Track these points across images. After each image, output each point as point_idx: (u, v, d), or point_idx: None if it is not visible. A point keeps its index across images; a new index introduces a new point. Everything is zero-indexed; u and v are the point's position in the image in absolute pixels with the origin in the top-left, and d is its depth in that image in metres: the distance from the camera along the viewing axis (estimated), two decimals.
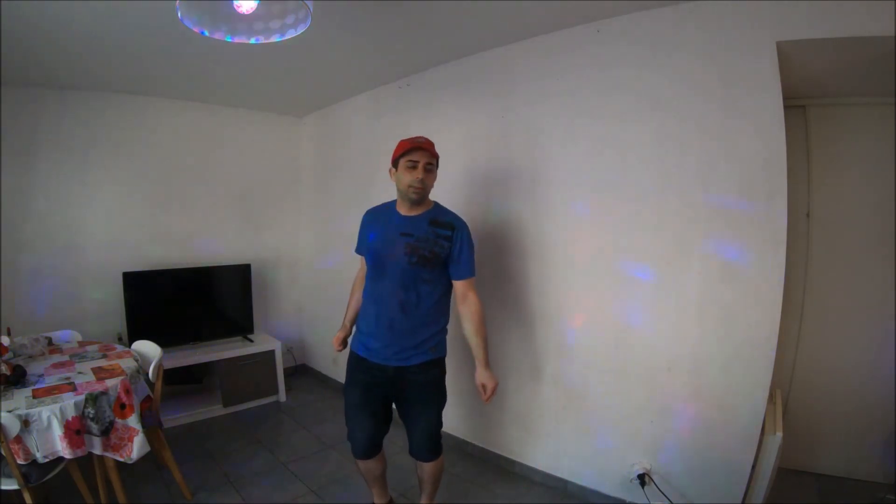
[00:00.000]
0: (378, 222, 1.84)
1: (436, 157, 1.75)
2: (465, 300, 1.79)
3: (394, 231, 1.76)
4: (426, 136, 1.79)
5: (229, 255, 3.54)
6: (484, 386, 1.78)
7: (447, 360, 1.90)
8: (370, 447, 1.84)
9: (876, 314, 2.21)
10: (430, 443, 1.82)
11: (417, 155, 1.69)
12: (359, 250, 1.93)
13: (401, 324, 1.74)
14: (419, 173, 1.69)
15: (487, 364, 1.79)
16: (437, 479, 1.93)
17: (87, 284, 3.00)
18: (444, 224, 1.77)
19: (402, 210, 1.79)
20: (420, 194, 1.72)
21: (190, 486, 2.22)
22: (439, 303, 1.80)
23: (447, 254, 1.75)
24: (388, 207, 1.86)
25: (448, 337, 1.90)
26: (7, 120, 2.69)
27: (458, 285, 1.79)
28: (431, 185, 1.77)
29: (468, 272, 1.78)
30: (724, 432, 1.83)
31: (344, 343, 1.97)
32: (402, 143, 1.75)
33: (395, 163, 1.77)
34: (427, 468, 1.87)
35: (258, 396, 3.33)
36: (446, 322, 1.87)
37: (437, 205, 1.85)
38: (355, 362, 1.85)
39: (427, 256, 1.71)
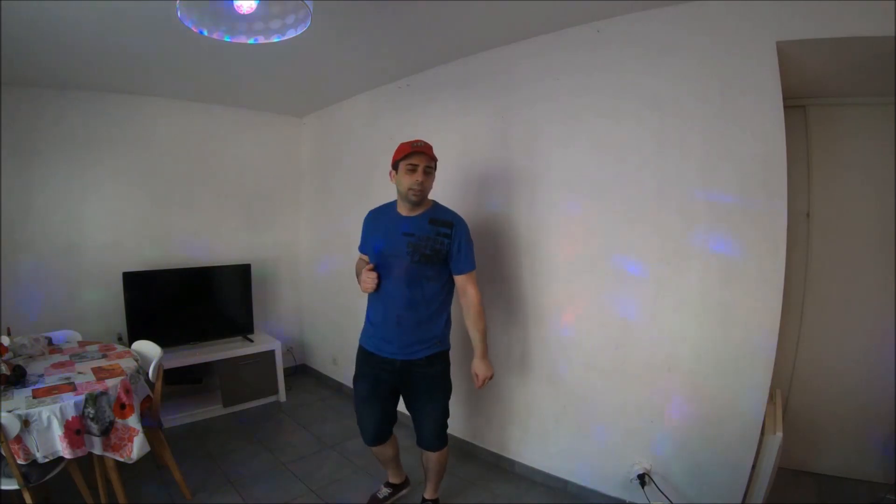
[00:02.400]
0: (381, 223, 1.91)
1: (434, 159, 1.82)
2: (464, 294, 1.87)
3: (397, 231, 1.83)
4: (426, 135, 1.81)
5: (229, 255, 3.54)
6: (476, 375, 1.90)
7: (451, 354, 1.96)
8: (378, 435, 1.97)
9: (876, 314, 2.21)
10: (437, 432, 1.92)
11: (417, 159, 1.77)
12: (362, 249, 2.03)
13: (407, 319, 1.82)
14: (419, 176, 1.76)
15: (484, 355, 1.90)
16: (442, 468, 2.04)
17: (87, 284, 3.01)
18: (443, 222, 1.84)
19: (403, 211, 1.86)
20: (419, 196, 1.80)
21: (190, 486, 2.22)
22: (443, 298, 1.89)
23: (447, 250, 1.82)
24: (390, 208, 1.93)
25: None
26: (7, 120, 2.69)
27: (459, 280, 1.87)
28: (430, 187, 1.85)
29: (467, 266, 1.86)
30: (724, 432, 1.83)
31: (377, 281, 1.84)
32: (401, 146, 1.81)
33: (395, 166, 1.83)
34: (434, 457, 1.97)
35: (258, 396, 3.33)
36: (450, 316, 1.94)
37: (436, 204, 1.92)
38: (364, 357, 1.94)
39: (428, 254, 1.79)
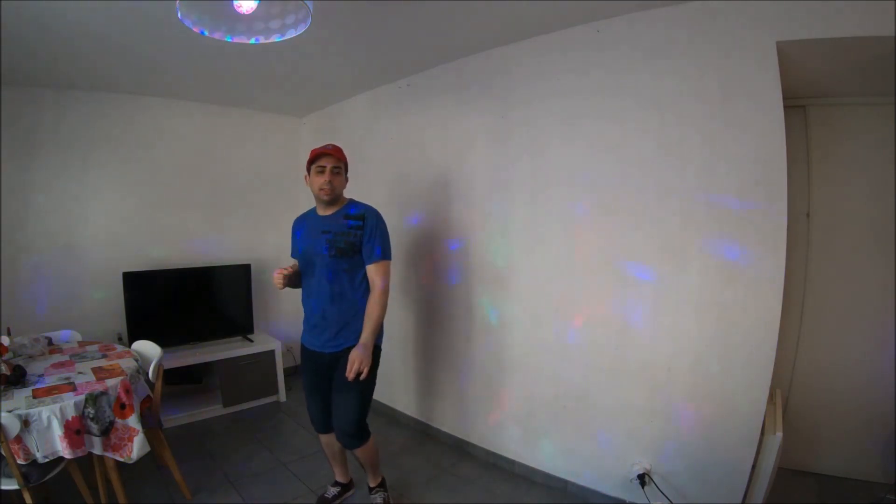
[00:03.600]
0: (303, 226, 2.04)
1: (343, 160, 1.94)
2: (372, 283, 1.93)
3: (315, 231, 1.95)
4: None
5: (229, 255, 3.54)
6: (351, 362, 1.82)
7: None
8: (324, 423, 2.04)
9: (876, 314, 2.21)
10: (351, 428, 1.92)
11: (324, 160, 1.89)
12: (293, 254, 2.11)
13: (331, 313, 1.92)
14: (327, 176, 1.88)
15: (364, 345, 1.85)
16: (371, 458, 2.07)
17: (87, 284, 3.01)
18: (356, 216, 1.94)
19: (321, 211, 1.99)
20: (330, 195, 1.91)
21: (190, 486, 2.22)
22: (363, 291, 1.95)
23: (360, 242, 1.91)
24: (311, 212, 2.05)
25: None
26: (7, 120, 2.69)
27: (368, 270, 1.93)
28: (341, 186, 1.95)
29: (376, 256, 1.92)
30: (724, 432, 1.83)
31: (284, 279, 1.93)
32: (312, 151, 1.93)
33: (308, 170, 1.94)
34: (357, 453, 2.01)
35: (258, 396, 3.33)
36: None
37: (351, 201, 2.02)
38: (303, 352, 2.07)
39: (343, 248, 1.89)
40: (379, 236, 1.92)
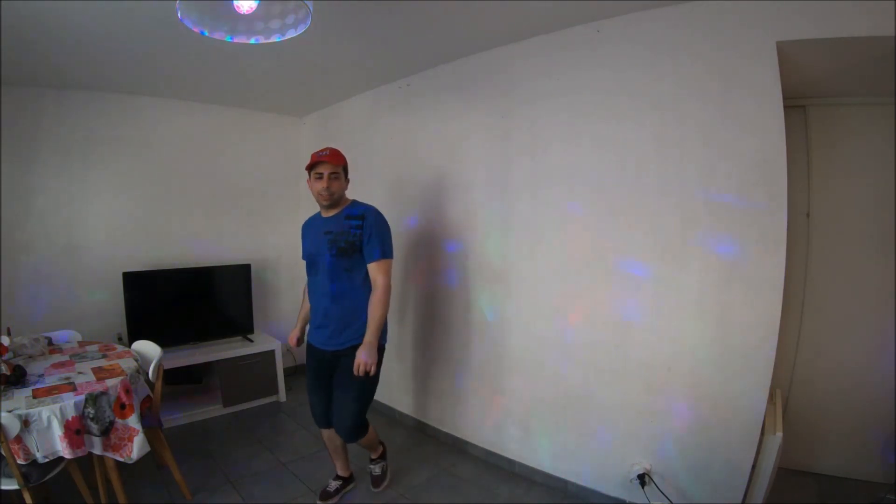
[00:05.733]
0: (309, 229, 2.09)
1: (342, 164, 1.97)
2: (374, 282, 1.96)
3: (319, 232, 2.00)
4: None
5: (229, 255, 3.54)
6: (359, 362, 1.86)
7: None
8: (327, 418, 2.08)
9: (876, 314, 2.20)
10: (353, 424, 1.99)
11: (321, 168, 1.92)
12: (302, 256, 2.14)
13: (333, 311, 1.96)
14: (324, 182, 1.92)
15: (368, 344, 1.88)
16: (370, 443, 2.18)
17: (87, 284, 3.00)
18: (356, 216, 1.97)
19: (324, 213, 2.04)
20: (328, 200, 1.95)
21: (190, 486, 2.22)
22: (365, 290, 1.97)
23: (360, 241, 1.94)
24: (316, 215, 2.10)
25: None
26: (7, 120, 2.69)
27: (370, 269, 1.96)
28: (340, 190, 1.98)
29: (376, 255, 1.94)
30: (724, 432, 1.83)
31: (299, 341, 2.18)
32: (311, 156, 1.95)
33: (309, 175, 1.97)
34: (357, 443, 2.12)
35: (258, 396, 3.33)
36: None
37: (353, 202, 2.06)
38: (307, 349, 2.11)
39: (343, 247, 1.92)
40: (378, 235, 1.94)
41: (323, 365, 2.03)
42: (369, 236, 1.92)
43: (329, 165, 1.92)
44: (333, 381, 2.01)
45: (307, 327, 2.14)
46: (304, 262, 2.09)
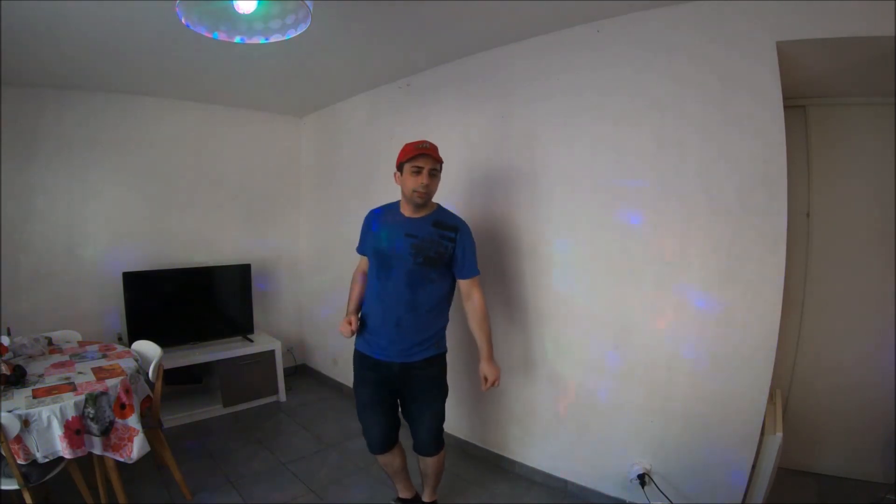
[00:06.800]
0: (383, 224, 1.86)
1: (440, 161, 1.80)
2: (469, 298, 1.88)
3: (399, 233, 1.80)
4: (426, 136, 1.80)
5: (229, 255, 3.54)
6: (485, 378, 1.86)
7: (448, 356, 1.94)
8: (385, 442, 1.90)
9: (876, 314, 2.20)
10: (434, 436, 1.90)
11: (422, 161, 1.74)
12: (360, 250, 1.98)
13: (407, 322, 1.79)
14: (424, 178, 1.74)
15: (490, 357, 1.88)
16: (439, 473, 2.01)
17: (87, 284, 3.00)
18: (448, 226, 1.83)
19: (406, 212, 1.84)
20: (424, 199, 1.77)
21: (190, 486, 2.22)
22: (443, 301, 1.88)
23: (451, 254, 1.82)
24: (392, 209, 1.89)
25: (448, 336, 1.91)
26: (7, 120, 2.69)
27: (464, 284, 1.88)
28: (435, 189, 1.82)
29: (472, 271, 1.87)
30: (724, 432, 1.83)
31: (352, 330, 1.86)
32: (406, 147, 1.78)
33: (399, 167, 1.80)
34: (431, 462, 1.94)
35: (258, 396, 3.33)
36: (447, 319, 1.93)
37: (440, 207, 1.90)
38: (361, 361, 1.89)
39: (433, 257, 1.78)
40: (472, 250, 1.86)
41: (387, 380, 1.84)
42: (464, 252, 1.82)
43: (430, 160, 1.74)
44: (406, 395, 1.87)
45: (363, 334, 1.89)
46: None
